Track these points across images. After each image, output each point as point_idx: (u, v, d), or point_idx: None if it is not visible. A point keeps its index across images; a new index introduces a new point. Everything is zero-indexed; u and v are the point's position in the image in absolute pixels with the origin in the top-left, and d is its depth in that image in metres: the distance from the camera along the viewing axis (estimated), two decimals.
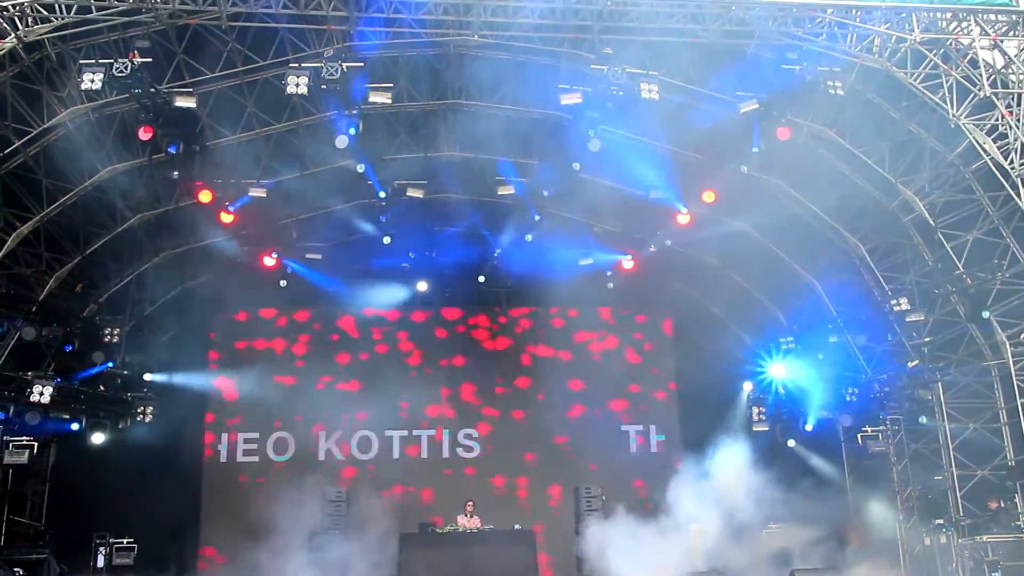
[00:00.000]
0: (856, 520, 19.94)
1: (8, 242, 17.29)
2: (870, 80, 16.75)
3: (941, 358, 18.92)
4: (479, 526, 17.89)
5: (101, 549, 18.16)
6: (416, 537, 17.69)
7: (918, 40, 15.61)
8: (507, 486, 21.87)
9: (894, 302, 18.76)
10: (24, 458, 17.44)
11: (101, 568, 18.07)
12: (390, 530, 18.24)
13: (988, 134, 15.64)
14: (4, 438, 17.38)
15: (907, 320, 18.69)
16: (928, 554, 18.55)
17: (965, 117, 15.73)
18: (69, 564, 17.94)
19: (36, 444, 17.78)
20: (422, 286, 22.49)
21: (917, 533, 19.04)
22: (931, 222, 17.71)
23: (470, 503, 18.59)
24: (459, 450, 22.51)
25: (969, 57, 15.64)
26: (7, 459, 17.35)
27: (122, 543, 18.29)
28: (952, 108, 15.74)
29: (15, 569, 16.81)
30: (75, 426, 19.10)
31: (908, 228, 18.40)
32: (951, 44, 15.75)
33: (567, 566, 19.23)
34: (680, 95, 17.95)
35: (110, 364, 19.74)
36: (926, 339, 18.88)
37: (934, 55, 15.75)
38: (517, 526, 18.46)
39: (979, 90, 15.47)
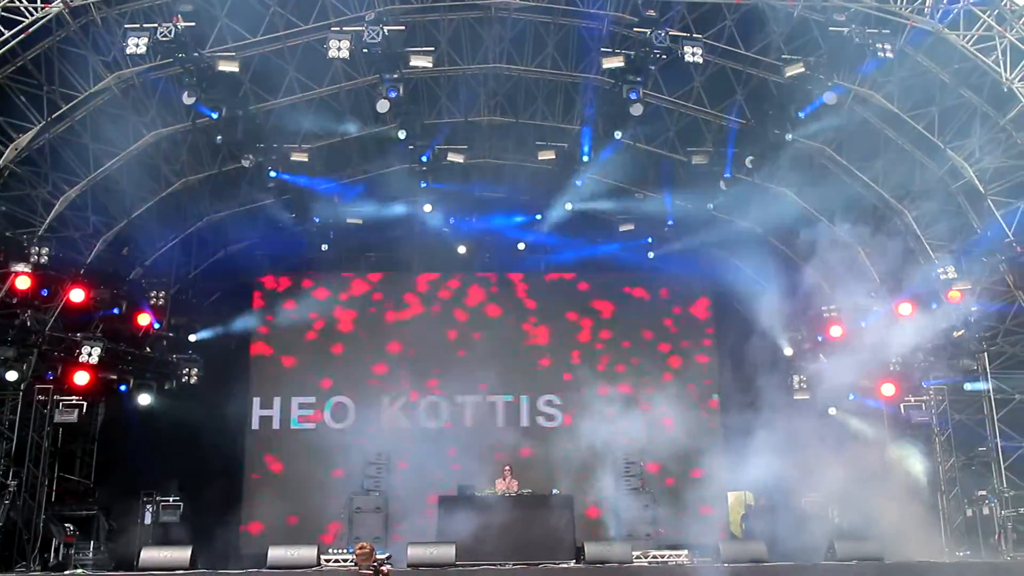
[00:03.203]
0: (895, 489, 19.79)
1: (56, 206, 17.60)
2: (920, 42, 16.35)
3: (988, 327, 18.59)
4: (516, 490, 18.02)
5: (148, 507, 18.60)
6: (455, 500, 17.86)
7: (971, 1, 15.20)
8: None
9: (940, 270, 18.42)
10: (73, 417, 17.80)
11: (148, 525, 18.51)
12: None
13: None
14: (54, 397, 17.77)
15: (954, 289, 18.34)
16: (970, 525, 18.37)
17: (1019, 80, 15.37)
18: (117, 521, 18.41)
19: (85, 403, 18.15)
20: (462, 250, 22.53)
21: (959, 504, 18.85)
22: (980, 189, 17.34)
23: (508, 467, 18.71)
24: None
25: None
26: (57, 418, 17.73)
27: (168, 501, 18.70)
28: (1005, 71, 15.37)
29: (66, 525, 17.29)
30: (122, 387, 19.50)
31: (956, 194, 18.03)
32: (1006, 5, 15.32)
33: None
34: (724, 58, 17.74)
35: (156, 326, 20.08)
36: (972, 308, 18.53)
37: (987, 16, 15.36)
38: (555, 490, 18.57)
39: None
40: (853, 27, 15.51)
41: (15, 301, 17.01)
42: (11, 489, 16.39)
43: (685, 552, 17.21)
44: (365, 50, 15.59)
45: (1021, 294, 17.70)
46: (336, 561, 16.05)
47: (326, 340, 22.64)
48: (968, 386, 18.70)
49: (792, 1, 16.24)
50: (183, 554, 15.24)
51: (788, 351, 22.21)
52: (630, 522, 18.42)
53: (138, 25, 15.12)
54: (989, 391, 18.41)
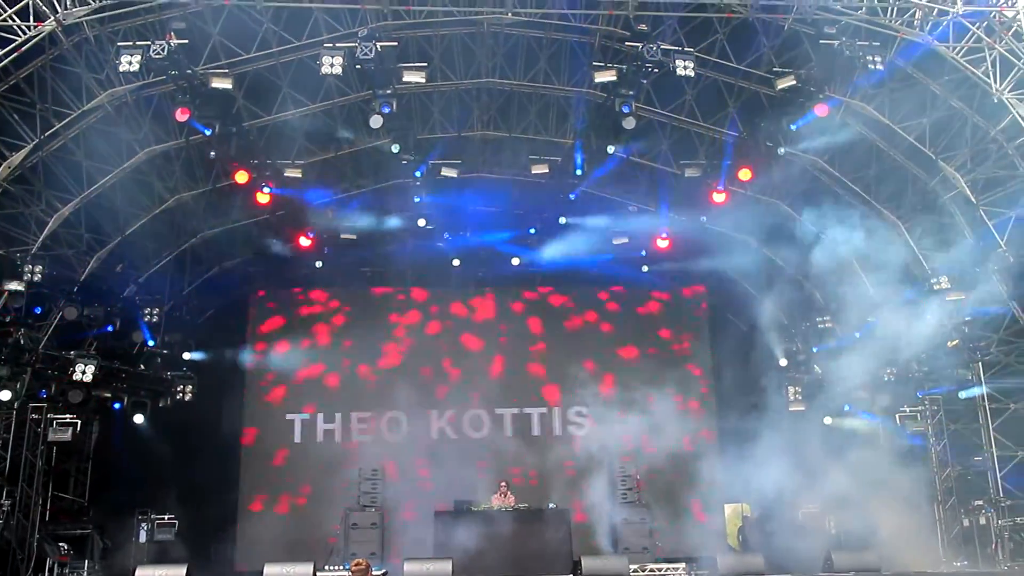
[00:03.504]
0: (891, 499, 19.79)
1: (50, 223, 17.55)
2: (910, 54, 16.44)
3: (982, 337, 18.61)
4: (513, 504, 17.99)
5: (143, 525, 18.53)
6: (452, 515, 17.82)
7: (960, 12, 15.30)
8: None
9: (934, 280, 18.46)
10: (67, 435, 17.75)
11: (143, 543, 18.43)
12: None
13: None
14: (48, 416, 17.69)
15: (947, 299, 18.37)
16: (967, 535, 18.36)
17: (1008, 91, 15.42)
18: (112, 539, 18.33)
19: (79, 422, 18.08)
20: (456, 263, 22.54)
21: (955, 514, 18.84)
22: (972, 199, 17.38)
23: (503, 482, 18.70)
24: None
25: (1013, 30, 15.31)
26: (51, 436, 17.66)
27: (163, 519, 18.65)
28: (995, 82, 15.44)
29: (60, 544, 17.19)
30: (117, 405, 19.43)
31: (948, 205, 18.09)
32: (995, 16, 15.41)
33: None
34: (716, 72, 17.82)
35: (150, 344, 20.04)
36: (966, 318, 18.58)
37: (977, 28, 15.42)
38: (552, 505, 18.55)
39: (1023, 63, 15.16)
40: (844, 40, 15.59)
41: (8, 319, 16.97)
42: (5, 508, 16.29)
43: (682, 565, 17.19)
44: (358, 66, 15.60)
45: (1014, 303, 17.73)
46: None
47: (319, 355, 22.59)
48: (963, 393, 18.72)
49: (782, 15, 16.33)
50: (178, 572, 15.14)
51: (783, 362, 22.25)
52: (627, 535, 18.35)
53: (131, 43, 15.11)
54: (983, 396, 18.38)
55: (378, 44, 15.34)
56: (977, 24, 15.39)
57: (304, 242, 20.53)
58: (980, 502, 18.13)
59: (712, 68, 17.82)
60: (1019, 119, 15.48)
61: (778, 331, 22.72)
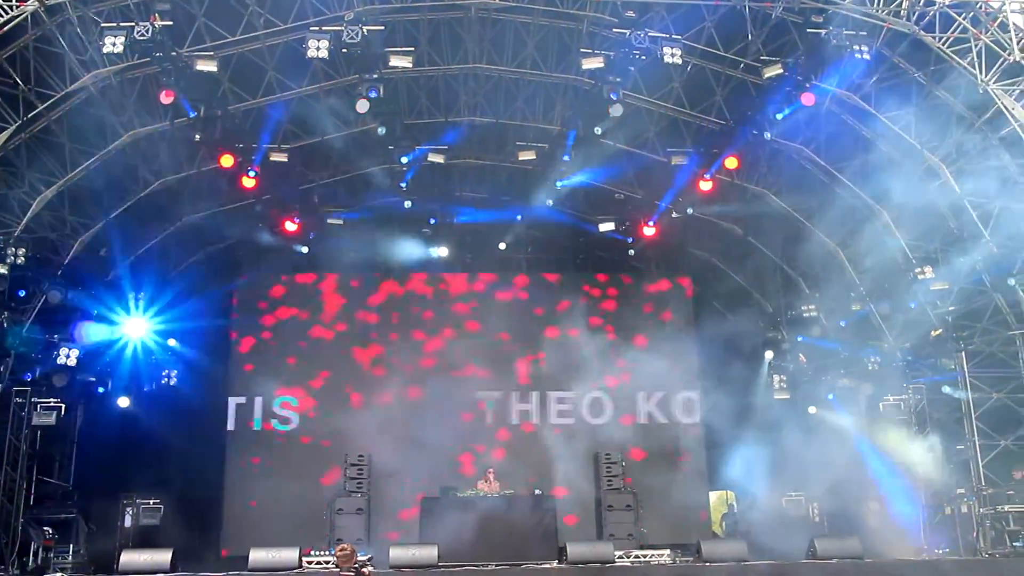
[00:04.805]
0: (875, 488, 19.92)
1: (33, 206, 17.42)
2: (897, 44, 16.49)
3: (965, 327, 18.71)
4: (499, 491, 18.04)
5: (128, 509, 18.51)
6: (437, 501, 17.87)
7: (947, 3, 15.33)
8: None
9: (918, 270, 18.53)
10: (52, 420, 17.65)
11: (128, 528, 18.41)
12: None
13: (1017, 100, 15.38)
14: (32, 400, 17.62)
15: (931, 288, 18.44)
16: (949, 523, 18.51)
17: (994, 82, 15.45)
18: (97, 523, 18.30)
19: (63, 406, 18.01)
20: (442, 251, 22.53)
21: (938, 502, 18.98)
22: (957, 189, 17.44)
23: (490, 469, 18.75)
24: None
25: (999, 21, 15.33)
26: (35, 421, 17.57)
27: (148, 503, 18.63)
28: (981, 73, 15.47)
29: (44, 528, 17.16)
30: (101, 389, 19.37)
31: (933, 195, 18.13)
32: (980, 7, 15.43)
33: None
34: (703, 59, 17.82)
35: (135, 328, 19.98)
36: (950, 308, 18.66)
37: (963, 19, 15.45)
38: (537, 491, 18.61)
39: (1009, 54, 15.18)
40: (831, 29, 15.60)
41: None
42: None
43: (667, 551, 17.26)
44: (344, 50, 15.55)
45: (997, 294, 17.82)
46: (318, 563, 15.99)
47: (304, 340, 22.54)
48: (946, 388, 18.84)
49: (770, 3, 16.33)
50: (163, 556, 15.15)
51: (768, 352, 22.33)
52: (612, 522, 18.43)
53: (115, 24, 15.00)
54: (966, 383, 18.47)
55: (364, 28, 15.31)
56: (963, 15, 15.42)
57: (290, 227, 20.46)
58: (962, 490, 18.27)
59: (700, 56, 17.83)
60: (1004, 110, 15.53)
61: (763, 320, 22.82)
